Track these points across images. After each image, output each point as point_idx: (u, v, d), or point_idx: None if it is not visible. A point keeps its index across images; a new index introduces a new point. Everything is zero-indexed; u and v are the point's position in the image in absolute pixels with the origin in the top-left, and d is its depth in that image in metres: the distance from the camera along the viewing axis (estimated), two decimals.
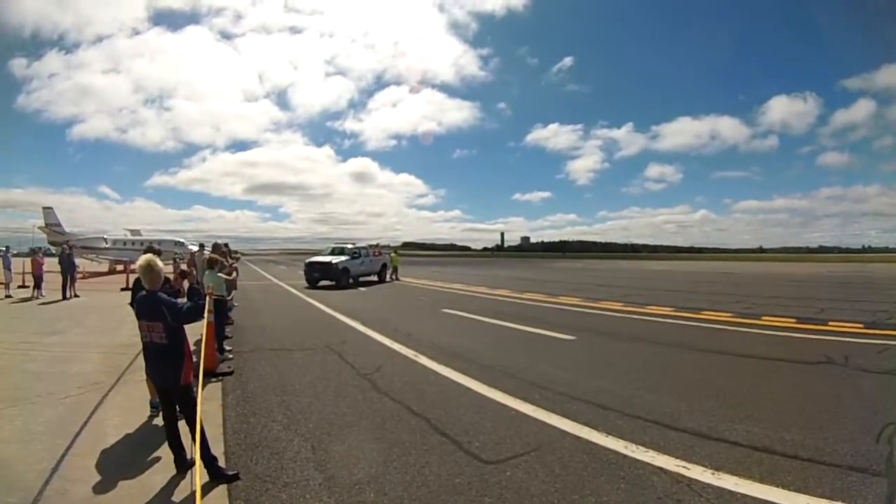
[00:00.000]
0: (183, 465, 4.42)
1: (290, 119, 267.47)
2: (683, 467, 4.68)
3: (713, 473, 4.59)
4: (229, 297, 11.28)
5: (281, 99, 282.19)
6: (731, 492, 4.25)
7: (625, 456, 4.95)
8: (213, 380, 7.51)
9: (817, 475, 4.60)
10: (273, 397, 6.77)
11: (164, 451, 4.59)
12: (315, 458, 4.78)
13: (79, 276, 22.84)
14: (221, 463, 4.50)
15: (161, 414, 4.81)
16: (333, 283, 26.29)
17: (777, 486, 4.36)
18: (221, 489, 4.18)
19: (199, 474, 3.50)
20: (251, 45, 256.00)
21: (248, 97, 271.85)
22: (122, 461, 4.71)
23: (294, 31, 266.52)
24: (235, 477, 4.32)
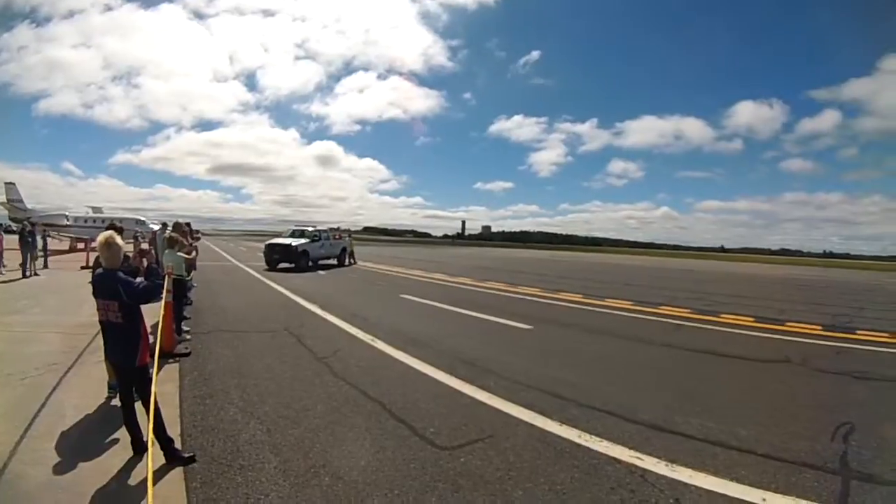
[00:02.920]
0: (140, 447, 4.50)
1: (258, 101, 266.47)
2: (637, 458, 4.84)
3: (667, 465, 4.74)
4: (189, 278, 11.28)
5: (250, 80, 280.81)
6: (685, 484, 4.40)
7: (579, 445, 5.12)
8: (171, 361, 7.60)
9: (772, 471, 4.77)
10: (230, 380, 6.88)
11: (123, 433, 4.67)
12: (271, 442, 4.90)
13: (41, 254, 22.33)
14: (178, 445, 4.60)
15: (118, 395, 4.87)
16: (293, 265, 26.37)
17: (731, 480, 4.52)
18: (178, 471, 4.28)
19: (150, 457, 3.58)
20: (223, 25, 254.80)
21: (217, 77, 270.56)
22: (80, 443, 4.78)
23: (267, 13, 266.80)
24: (192, 459, 4.42)
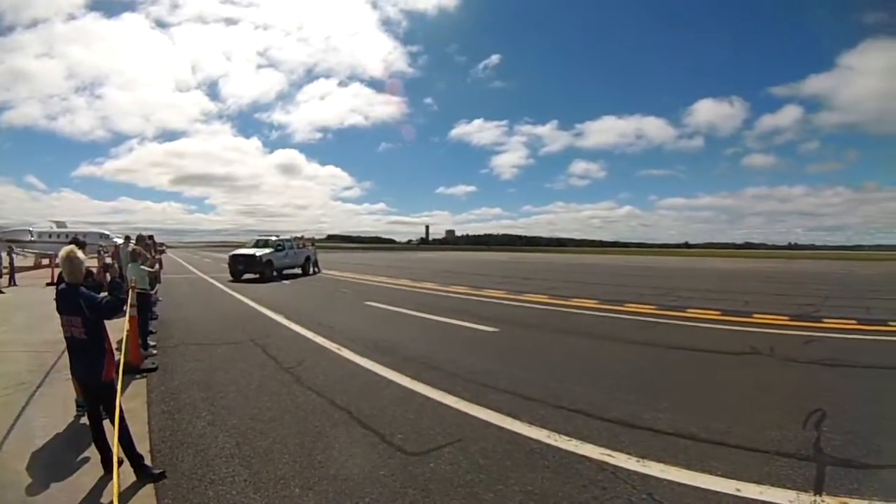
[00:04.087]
0: (111, 464, 4.45)
1: (221, 110, 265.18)
2: (608, 455, 4.93)
3: (638, 461, 4.82)
4: (153, 291, 11.24)
5: (212, 90, 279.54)
6: (657, 478, 4.47)
7: (548, 445, 5.20)
8: (138, 376, 7.60)
9: (745, 461, 4.87)
10: (197, 393, 6.92)
11: (93, 451, 4.65)
12: (240, 454, 4.94)
13: (6, 271, 22.17)
14: (148, 461, 4.62)
15: (87, 413, 4.87)
16: (257, 276, 26.44)
17: (703, 472, 4.60)
18: (149, 488, 4.29)
19: (117, 475, 3.62)
20: (186, 34, 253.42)
21: (180, 87, 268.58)
22: (51, 463, 4.78)
23: (230, 22, 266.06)
24: (162, 475, 4.44)
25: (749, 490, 4.29)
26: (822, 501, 4.19)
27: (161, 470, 4.50)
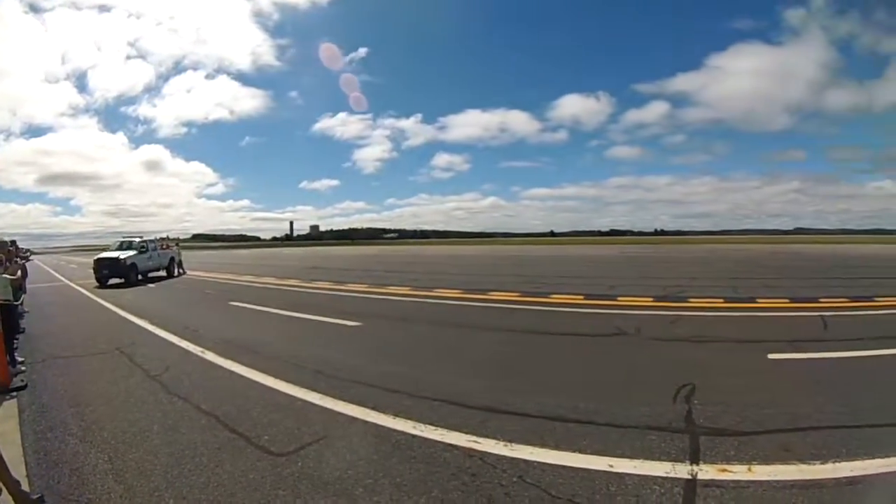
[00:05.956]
0: None
1: (88, 103, 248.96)
2: (475, 442, 5.15)
3: (506, 445, 5.04)
4: (18, 303, 10.87)
5: (81, 81, 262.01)
6: (526, 461, 4.68)
7: (415, 436, 5.41)
8: (9, 397, 7.36)
9: (615, 438, 5.15)
10: (67, 409, 6.80)
11: None
12: (113, 469, 4.94)
13: None
14: (25, 486, 4.52)
15: None
16: (123, 280, 25.89)
17: (574, 452, 4.84)
18: None
19: None
20: (59, 20, 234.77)
21: (48, 78, 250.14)
22: None
23: (103, 9, 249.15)
24: (41, 500, 4.36)
25: (622, 465, 4.54)
26: (701, 470, 4.44)
27: (39, 494, 4.42)
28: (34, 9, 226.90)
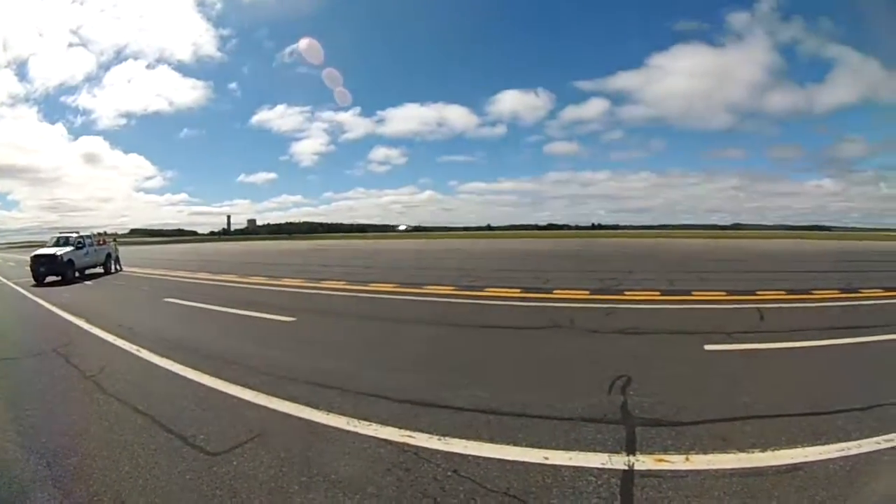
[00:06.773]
0: None
1: (28, 92, 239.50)
2: (409, 436, 5.27)
3: (440, 439, 5.17)
4: None
5: (21, 69, 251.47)
6: (460, 454, 4.82)
7: (348, 431, 5.52)
8: None
9: (550, 430, 5.29)
10: (4, 414, 6.73)
11: None
12: (52, 476, 4.92)
13: None
14: None
15: None
16: (60, 278, 25.32)
17: (508, 445, 4.98)
18: None
19: None
20: (3, 5, 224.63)
21: None
22: None
23: None
24: None
25: (557, 457, 4.67)
26: (638, 461, 4.58)
27: None
28: None
